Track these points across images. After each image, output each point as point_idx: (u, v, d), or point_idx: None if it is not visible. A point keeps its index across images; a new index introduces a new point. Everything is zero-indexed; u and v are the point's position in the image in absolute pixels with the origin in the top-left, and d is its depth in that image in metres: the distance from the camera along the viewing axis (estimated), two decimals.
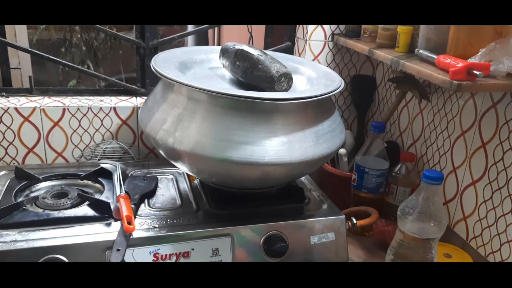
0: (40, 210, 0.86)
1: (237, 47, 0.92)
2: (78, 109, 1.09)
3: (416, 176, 1.08)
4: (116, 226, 0.83)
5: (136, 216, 0.87)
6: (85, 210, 0.86)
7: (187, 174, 1.05)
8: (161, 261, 0.79)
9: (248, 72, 0.88)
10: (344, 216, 0.92)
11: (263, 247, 0.85)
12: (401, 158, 1.07)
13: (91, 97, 1.16)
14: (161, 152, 0.88)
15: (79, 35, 2.83)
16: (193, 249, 0.82)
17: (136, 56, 1.18)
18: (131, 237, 0.80)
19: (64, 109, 1.08)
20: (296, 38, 1.26)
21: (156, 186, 0.98)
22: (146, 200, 0.93)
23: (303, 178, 1.08)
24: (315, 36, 1.19)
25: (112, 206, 0.86)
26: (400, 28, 0.96)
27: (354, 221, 0.94)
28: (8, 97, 1.11)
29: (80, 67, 1.18)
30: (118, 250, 0.76)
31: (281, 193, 0.95)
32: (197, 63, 1.00)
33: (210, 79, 0.95)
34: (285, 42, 1.27)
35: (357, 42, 1.10)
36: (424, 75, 0.81)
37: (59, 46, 2.96)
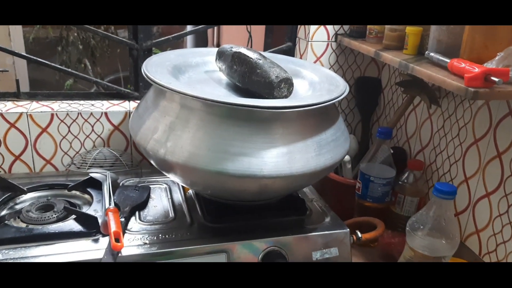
0: (23, 225, 0.81)
1: (234, 49, 0.87)
2: (68, 114, 1.03)
3: (424, 185, 1.02)
4: (104, 242, 0.77)
5: (126, 231, 0.81)
6: (71, 225, 0.80)
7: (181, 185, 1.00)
8: None
9: (246, 77, 0.82)
10: (348, 230, 0.87)
11: None
12: (409, 166, 1.01)
13: (82, 101, 1.10)
14: (152, 162, 0.83)
15: (76, 34, 2.77)
16: None
17: (129, 58, 1.12)
18: (120, 255, 0.74)
19: (52, 115, 1.03)
20: (297, 38, 1.20)
21: (148, 197, 0.93)
22: (137, 213, 0.87)
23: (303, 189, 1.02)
24: (318, 37, 1.13)
25: (100, 221, 0.80)
26: (409, 29, 0.90)
27: (359, 234, 0.88)
28: None
29: (71, 70, 1.12)
30: None
31: (281, 204, 0.90)
32: (192, 67, 0.94)
33: (205, 84, 0.90)
34: (286, 43, 1.21)
35: (362, 43, 1.04)
36: (436, 80, 0.75)
37: (56, 45, 2.90)
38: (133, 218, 0.86)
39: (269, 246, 0.81)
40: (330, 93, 0.81)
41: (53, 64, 1.09)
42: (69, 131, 1.05)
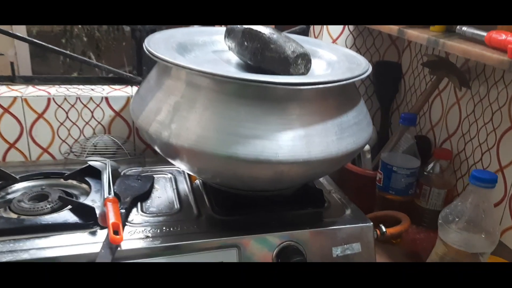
0: (14, 216, 0.73)
1: (245, 26, 0.79)
2: (65, 99, 0.96)
3: (452, 176, 0.93)
4: (102, 235, 0.70)
5: (126, 224, 0.74)
6: (66, 216, 0.73)
7: (187, 173, 0.92)
8: None
9: (258, 53, 0.74)
10: (371, 223, 0.78)
11: (276, 261, 0.72)
12: (435, 155, 0.93)
13: (81, 86, 1.03)
14: (156, 148, 0.75)
15: (80, 25, 2.71)
16: None
17: (132, 40, 1.05)
18: (118, 249, 0.67)
19: (49, 99, 0.95)
20: None
21: (151, 187, 0.85)
22: (139, 204, 0.80)
23: (321, 178, 0.94)
24: None
25: (97, 211, 0.73)
26: None
27: (383, 229, 0.80)
28: None
29: (70, 53, 1.04)
30: None
31: (297, 195, 0.82)
32: (199, 46, 0.86)
33: (213, 63, 0.82)
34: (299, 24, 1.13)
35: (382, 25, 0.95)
36: (473, 55, 0.67)
37: (60, 38, 2.85)
38: (134, 210, 0.78)
39: (285, 241, 0.73)
40: (351, 71, 0.72)
41: (52, 46, 1.01)
42: (67, 117, 0.97)
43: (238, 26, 0.80)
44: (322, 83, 0.65)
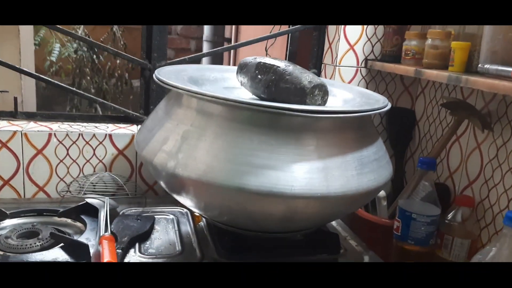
0: (0, 253, 0.67)
1: (258, 59, 0.76)
2: (67, 135, 0.92)
3: (476, 225, 0.86)
4: None
5: None
6: (56, 253, 0.66)
7: (191, 214, 0.86)
8: None
9: (273, 85, 0.71)
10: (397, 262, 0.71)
11: None
12: (456, 202, 0.86)
13: (85, 124, 1.00)
14: (160, 183, 0.70)
15: (88, 77, 2.75)
16: None
17: (141, 79, 1.03)
18: None
19: (50, 135, 0.91)
20: (323, 64, 1.10)
21: (151, 228, 0.78)
22: (137, 245, 0.73)
23: (334, 223, 0.88)
24: (346, 61, 1.04)
25: (91, 250, 0.66)
26: (455, 44, 0.79)
27: None
28: None
29: (76, 89, 1.02)
30: None
31: (309, 239, 0.75)
32: (210, 81, 0.84)
33: (226, 94, 0.78)
34: (310, 70, 1.11)
35: (398, 65, 0.93)
36: (501, 89, 0.63)
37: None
38: (132, 251, 0.71)
39: None
40: (370, 106, 0.69)
41: (58, 82, 0.99)
42: (67, 154, 0.93)
43: (251, 60, 0.77)
44: (341, 112, 0.62)
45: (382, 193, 0.97)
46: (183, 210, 0.88)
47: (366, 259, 0.74)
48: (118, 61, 3.04)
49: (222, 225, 0.72)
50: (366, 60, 1.04)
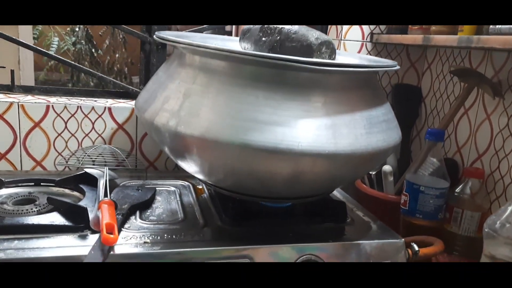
0: None
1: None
2: (65, 107, 0.90)
3: (486, 198, 0.84)
4: (93, 239, 0.60)
5: (122, 229, 0.64)
6: (53, 217, 0.63)
7: (193, 187, 0.83)
8: None
9: (278, 46, 0.68)
10: (403, 240, 0.68)
11: None
12: (465, 174, 0.84)
13: (84, 98, 0.97)
14: (163, 147, 0.67)
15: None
16: None
17: (141, 53, 1.00)
18: (111, 253, 0.57)
19: (48, 107, 0.89)
20: None
21: (153, 197, 0.76)
22: (137, 212, 0.70)
23: (340, 196, 0.85)
24: (351, 35, 1.01)
25: (90, 215, 0.63)
26: None
27: (416, 248, 0.70)
28: None
29: (75, 63, 1.00)
30: None
31: (315, 208, 0.72)
32: None
33: None
34: None
35: (405, 36, 0.91)
36: None
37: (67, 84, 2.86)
38: (132, 218, 0.69)
39: (304, 254, 0.63)
40: (378, 63, 0.67)
41: (58, 56, 0.97)
42: (65, 127, 0.90)
43: (254, 25, 0.75)
44: (350, 66, 0.59)
45: (388, 167, 0.94)
46: (185, 183, 0.85)
47: (374, 228, 0.72)
48: (117, 55, 3.02)
49: (226, 191, 0.69)
50: (371, 34, 1.02)
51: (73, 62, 1.01)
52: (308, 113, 0.58)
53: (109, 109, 0.92)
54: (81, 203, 0.69)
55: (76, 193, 0.76)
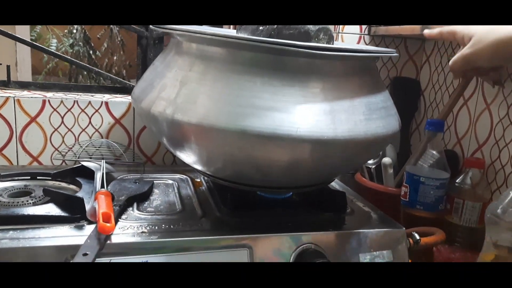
0: None
1: None
2: (62, 102, 0.89)
3: (487, 189, 0.83)
4: (89, 229, 0.59)
5: (119, 220, 0.63)
6: (49, 208, 0.62)
7: (191, 180, 0.82)
8: None
9: (275, 34, 0.67)
10: (404, 228, 0.68)
11: None
12: (466, 164, 0.83)
13: (81, 93, 0.97)
14: (161, 138, 0.67)
15: (85, 72, 2.72)
16: None
17: (137, 48, 1.00)
18: (108, 242, 0.56)
19: (44, 101, 0.88)
20: None
21: (150, 190, 0.75)
22: (135, 204, 0.69)
23: (339, 188, 0.84)
24: (349, 28, 1.01)
25: (87, 206, 0.63)
26: None
27: (417, 237, 0.69)
28: None
29: (71, 59, 0.99)
30: (85, 254, 0.51)
31: (315, 197, 0.72)
32: None
33: None
34: None
35: (403, 26, 0.91)
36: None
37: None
38: (129, 209, 0.68)
39: (304, 243, 0.62)
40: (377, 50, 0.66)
41: (54, 51, 0.96)
42: (62, 122, 0.90)
43: None
44: (349, 51, 0.59)
45: (387, 160, 0.94)
46: (183, 176, 0.84)
47: (375, 217, 0.71)
48: (115, 58, 3.02)
49: (225, 182, 0.68)
50: (369, 27, 1.01)
51: (70, 58, 1.00)
52: (306, 98, 0.57)
53: (106, 103, 0.91)
54: (78, 195, 0.68)
55: (72, 186, 0.75)
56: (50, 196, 0.65)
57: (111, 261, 0.54)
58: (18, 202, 0.65)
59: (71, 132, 0.91)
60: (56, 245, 0.54)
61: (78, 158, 0.84)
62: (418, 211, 0.85)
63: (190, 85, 0.59)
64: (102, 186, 0.68)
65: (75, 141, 0.91)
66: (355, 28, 1.01)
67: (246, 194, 0.68)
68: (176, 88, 0.60)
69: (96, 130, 0.92)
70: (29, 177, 0.76)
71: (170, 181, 0.81)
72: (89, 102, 0.90)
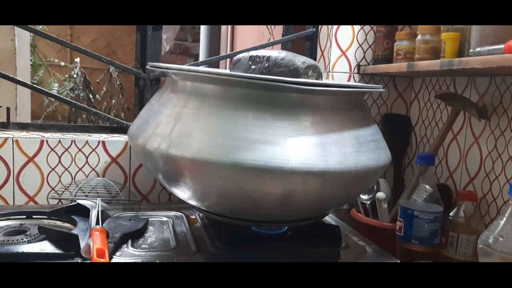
0: None
1: (251, 53, 0.77)
2: (59, 142, 0.91)
3: (480, 222, 0.84)
4: None
5: (114, 257, 0.63)
6: (43, 245, 0.62)
7: (186, 217, 0.83)
8: None
9: (266, 72, 0.70)
10: (399, 261, 0.68)
11: None
12: (459, 197, 0.84)
13: (78, 133, 0.98)
14: (156, 175, 0.68)
15: (84, 116, 2.76)
16: None
17: (135, 89, 1.03)
18: None
19: (42, 141, 0.90)
20: None
21: (145, 227, 0.75)
22: (130, 241, 0.69)
23: (335, 222, 0.85)
24: (339, 67, 1.05)
25: (81, 243, 0.63)
26: (445, 35, 0.81)
27: None
28: None
29: (69, 100, 1.02)
30: None
31: (310, 232, 0.72)
32: None
33: None
34: None
35: (390, 65, 0.94)
36: (494, 62, 0.63)
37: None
38: (124, 246, 0.68)
39: None
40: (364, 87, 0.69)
41: (50, 91, 0.99)
42: (59, 161, 0.91)
43: (244, 54, 0.78)
44: (337, 86, 0.61)
45: (381, 194, 0.94)
46: (178, 213, 0.85)
47: (370, 251, 0.71)
48: (114, 101, 3.07)
49: (219, 217, 0.69)
50: (358, 66, 1.05)
51: (68, 99, 1.03)
52: (297, 132, 0.59)
53: (103, 142, 0.93)
54: (73, 232, 0.68)
55: (67, 224, 0.75)
56: (45, 234, 0.65)
57: None
58: (13, 241, 0.65)
59: (68, 171, 0.92)
60: None
61: (74, 197, 0.84)
62: (414, 246, 0.84)
63: (184, 120, 0.61)
64: (97, 223, 0.68)
65: (72, 180, 0.92)
66: (345, 67, 1.05)
67: (241, 229, 0.69)
68: (170, 124, 0.62)
69: (93, 169, 0.93)
70: (24, 216, 0.77)
71: (165, 219, 0.82)
72: (86, 142, 0.92)
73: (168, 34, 3.00)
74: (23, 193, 0.90)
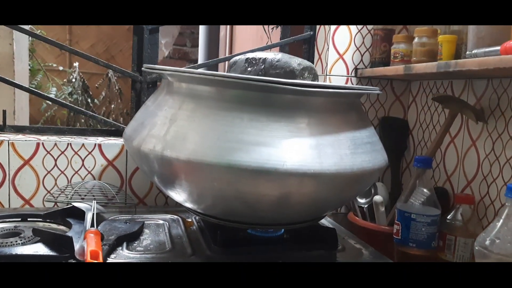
0: None
1: (247, 55, 0.77)
2: (55, 144, 0.90)
3: (478, 225, 0.83)
4: None
5: (108, 259, 0.63)
6: (37, 248, 0.62)
7: (182, 220, 0.82)
8: None
9: (262, 74, 0.71)
10: (393, 262, 0.67)
11: None
12: (456, 200, 0.84)
13: (75, 136, 0.98)
14: (152, 177, 0.67)
15: (83, 120, 2.76)
16: None
17: (132, 92, 1.02)
18: None
19: (38, 144, 0.89)
20: None
21: (140, 230, 0.75)
22: (125, 244, 0.69)
23: (331, 225, 0.84)
24: (336, 71, 1.04)
25: (76, 245, 0.62)
26: (442, 37, 0.80)
27: None
28: None
29: (66, 103, 1.01)
30: None
31: (305, 235, 0.72)
32: None
33: None
34: None
35: (387, 67, 0.94)
36: (491, 63, 0.63)
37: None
38: (118, 249, 0.67)
39: None
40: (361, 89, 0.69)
41: (48, 95, 0.99)
42: (55, 164, 0.90)
43: (240, 57, 0.78)
44: (333, 88, 0.61)
45: (379, 197, 0.94)
46: (174, 216, 0.84)
47: (366, 254, 0.71)
48: (113, 106, 3.07)
49: (215, 220, 0.68)
50: (355, 69, 1.05)
51: (66, 103, 1.02)
52: (292, 133, 0.59)
53: (99, 145, 0.93)
54: (67, 234, 0.67)
55: (62, 227, 0.75)
56: (39, 236, 0.65)
57: None
58: (7, 243, 0.64)
59: (64, 174, 0.91)
60: None
61: (70, 200, 0.84)
62: (411, 249, 0.84)
63: (179, 122, 0.61)
64: (92, 226, 0.68)
65: (68, 183, 0.91)
66: (342, 71, 1.05)
67: (237, 232, 0.68)
68: (166, 125, 0.62)
69: (89, 172, 0.92)
70: (19, 219, 0.76)
71: (161, 221, 0.81)
72: (83, 145, 0.92)
73: (167, 39, 3.01)
74: (19, 196, 0.89)
